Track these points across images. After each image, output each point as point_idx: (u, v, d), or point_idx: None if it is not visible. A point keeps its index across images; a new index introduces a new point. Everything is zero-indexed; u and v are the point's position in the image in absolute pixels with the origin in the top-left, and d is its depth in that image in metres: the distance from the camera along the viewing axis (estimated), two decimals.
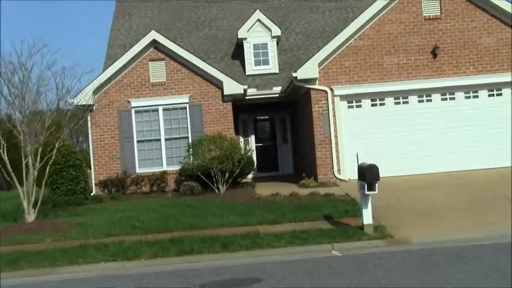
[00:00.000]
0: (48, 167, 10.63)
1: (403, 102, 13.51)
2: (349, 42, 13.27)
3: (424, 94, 13.32)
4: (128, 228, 9.00)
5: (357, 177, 7.73)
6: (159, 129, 15.07)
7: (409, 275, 5.45)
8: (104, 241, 8.06)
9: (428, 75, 13.24)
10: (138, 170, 14.82)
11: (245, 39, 16.81)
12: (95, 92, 14.53)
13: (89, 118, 14.37)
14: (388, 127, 13.37)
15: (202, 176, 12.84)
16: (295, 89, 14.73)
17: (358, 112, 13.47)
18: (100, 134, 14.85)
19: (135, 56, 14.79)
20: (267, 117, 18.60)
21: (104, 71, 15.33)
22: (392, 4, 13.30)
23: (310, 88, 13.38)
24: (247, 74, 17.49)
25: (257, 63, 16.96)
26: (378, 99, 13.49)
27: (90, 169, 14.66)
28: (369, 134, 13.29)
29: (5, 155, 10.05)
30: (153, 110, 15.05)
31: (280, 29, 17.17)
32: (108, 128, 14.91)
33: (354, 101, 13.48)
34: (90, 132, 14.72)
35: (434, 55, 13.16)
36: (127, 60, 14.75)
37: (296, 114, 17.15)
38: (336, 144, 13.25)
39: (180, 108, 15.06)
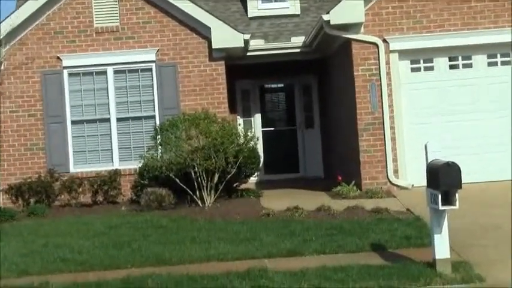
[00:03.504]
0: None
1: (502, 63, 13.52)
2: None
3: None
4: (55, 262, 8.97)
5: (424, 183, 7.71)
6: (108, 104, 15.08)
7: None
8: (15, 284, 8.02)
9: None
10: (73, 169, 14.91)
11: None
12: (4, 42, 14.52)
13: None
14: (478, 103, 13.40)
15: (177, 179, 12.77)
16: (327, 41, 14.69)
17: (428, 78, 13.50)
18: (11, 111, 14.89)
19: None
20: (280, 85, 18.72)
21: (18, 8, 15.31)
22: None
23: (350, 39, 13.40)
24: (249, 16, 17.49)
25: None
26: (460, 58, 13.54)
27: None
28: (445, 114, 13.40)
29: None
30: (99, 73, 15.07)
31: None
32: (24, 101, 14.91)
33: (422, 60, 13.53)
34: None
35: None
36: None
37: (327, 82, 17.18)
38: (392, 129, 13.28)
39: (143, 70, 15.09)
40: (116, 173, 14.32)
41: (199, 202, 12.72)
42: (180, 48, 15.00)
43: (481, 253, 8.24)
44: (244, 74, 16.95)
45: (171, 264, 8.56)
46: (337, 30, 13.41)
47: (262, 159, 15.43)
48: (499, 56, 13.51)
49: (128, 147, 15.05)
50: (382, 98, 13.30)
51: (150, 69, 15.08)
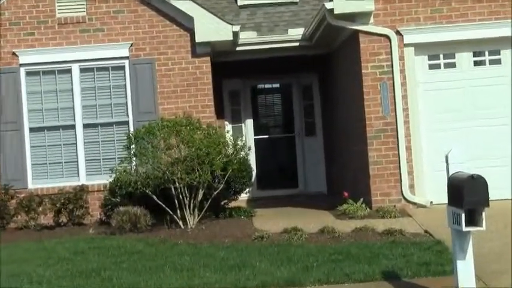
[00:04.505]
0: None
1: None
2: None
3: None
4: None
5: (445, 200, 7.68)
6: (73, 108, 15.14)
7: None
8: None
9: None
10: (31, 185, 14.96)
11: None
12: None
13: None
14: (508, 106, 13.37)
15: (155, 196, 12.85)
16: (330, 34, 14.70)
17: (449, 76, 13.53)
18: None
19: None
20: (276, 85, 18.84)
21: None
22: None
23: (358, 31, 13.43)
24: (239, 4, 17.66)
25: None
26: (487, 53, 13.57)
27: None
28: (469, 119, 13.44)
29: None
30: (62, 71, 15.14)
31: None
32: None
33: (442, 56, 13.58)
34: None
35: None
36: None
37: (331, 81, 17.24)
38: (407, 137, 13.32)
39: (114, 68, 15.18)
40: (83, 189, 14.36)
41: (180, 223, 12.78)
42: (157, 42, 15.04)
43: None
44: (233, 72, 17.04)
45: None
46: (342, 21, 13.43)
47: (254, 173, 15.55)
48: None
49: (97, 159, 15.10)
50: (395, 100, 13.30)
51: (123, 67, 15.13)
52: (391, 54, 13.30)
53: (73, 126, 15.10)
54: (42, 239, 12.80)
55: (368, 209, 13.02)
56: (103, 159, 15.01)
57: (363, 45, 13.36)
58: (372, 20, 13.31)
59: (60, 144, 15.10)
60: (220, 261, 9.91)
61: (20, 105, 14.98)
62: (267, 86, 18.86)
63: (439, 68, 13.57)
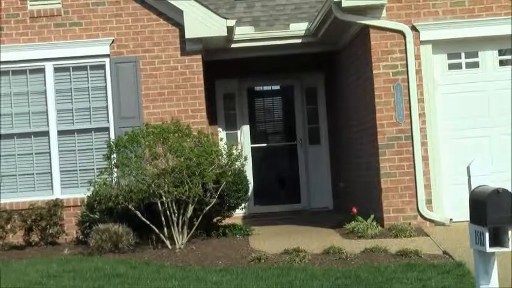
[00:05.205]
0: None
1: None
2: None
3: None
4: None
5: (467, 217, 7.53)
6: (46, 112, 15.13)
7: None
8: None
9: None
10: None
11: None
12: None
13: None
14: None
15: (139, 212, 12.88)
16: (337, 29, 14.79)
17: (472, 77, 13.58)
18: None
19: None
20: (276, 87, 19.03)
21: None
22: None
23: (369, 26, 13.48)
24: None
25: None
26: None
27: None
28: (493, 125, 13.51)
29: None
30: (34, 71, 15.16)
31: None
32: None
33: (463, 54, 13.65)
34: None
35: None
36: None
37: (338, 83, 17.31)
38: (424, 145, 13.36)
39: (93, 68, 15.21)
40: (57, 204, 14.28)
41: (167, 243, 12.81)
42: (142, 38, 15.03)
43: None
44: (228, 72, 17.16)
45: None
46: (350, 15, 13.49)
47: (251, 186, 15.61)
48: None
49: (73, 170, 15.11)
50: (410, 104, 13.33)
51: (103, 66, 15.16)
52: (406, 53, 13.31)
53: (46, 133, 15.09)
54: (10, 260, 12.71)
55: (379, 227, 13.04)
56: (80, 170, 15.01)
57: (374, 42, 13.40)
58: (384, 13, 13.33)
59: (32, 153, 15.09)
60: (212, 286, 9.91)
61: None
62: (266, 88, 19.03)
63: (460, 68, 13.60)
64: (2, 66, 14.94)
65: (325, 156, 18.05)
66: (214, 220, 13.88)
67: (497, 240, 7.00)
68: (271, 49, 16.43)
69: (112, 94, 15.01)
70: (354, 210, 13.70)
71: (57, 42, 14.95)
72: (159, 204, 12.70)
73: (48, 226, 13.98)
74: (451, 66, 13.56)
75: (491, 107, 13.47)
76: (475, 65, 13.56)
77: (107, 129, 15.02)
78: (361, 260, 10.92)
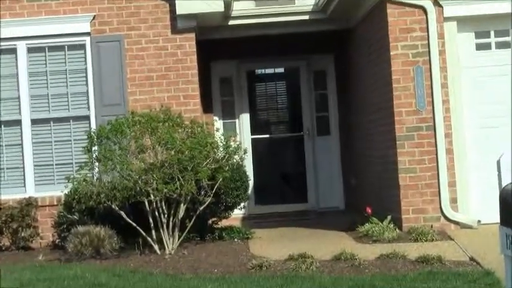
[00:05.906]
0: None
1: None
2: None
3: None
4: None
5: (497, 218, 7.43)
6: (18, 98, 15.25)
7: None
8: None
9: None
10: None
11: None
12: None
13: None
14: None
15: (123, 213, 12.93)
16: (350, 3, 15.07)
17: (502, 59, 13.64)
18: None
19: None
20: (280, 70, 19.25)
21: None
22: None
23: (385, 1, 13.58)
24: None
25: None
26: None
27: None
28: None
29: None
30: (5, 51, 15.27)
31: None
32: None
33: (493, 33, 13.77)
34: None
35: None
36: None
37: (350, 66, 17.56)
38: (448, 137, 13.47)
39: (71, 48, 15.35)
40: (30, 203, 14.44)
41: (156, 247, 12.86)
42: (127, 14, 15.13)
43: None
44: (225, 53, 17.42)
45: None
46: None
47: (252, 183, 15.81)
48: None
49: (49, 165, 15.22)
50: (432, 90, 13.43)
51: (83, 46, 15.28)
52: (428, 31, 13.41)
53: (18, 122, 15.23)
54: None
55: (397, 229, 13.12)
56: (57, 164, 15.14)
57: (391, 19, 13.47)
58: None
59: (1, 145, 15.22)
60: None
61: None
62: (268, 71, 19.18)
63: (490, 48, 13.73)
64: None
65: (336, 149, 18.25)
66: (210, 222, 14.01)
67: None
68: (274, 27, 16.57)
69: (93, 78, 15.10)
70: (368, 210, 13.80)
71: (31, 19, 15.03)
72: (147, 203, 12.74)
73: (20, 228, 14.10)
74: (479, 47, 13.64)
75: None
76: (507, 44, 13.60)
77: (87, 117, 15.12)
78: (376, 268, 10.97)
